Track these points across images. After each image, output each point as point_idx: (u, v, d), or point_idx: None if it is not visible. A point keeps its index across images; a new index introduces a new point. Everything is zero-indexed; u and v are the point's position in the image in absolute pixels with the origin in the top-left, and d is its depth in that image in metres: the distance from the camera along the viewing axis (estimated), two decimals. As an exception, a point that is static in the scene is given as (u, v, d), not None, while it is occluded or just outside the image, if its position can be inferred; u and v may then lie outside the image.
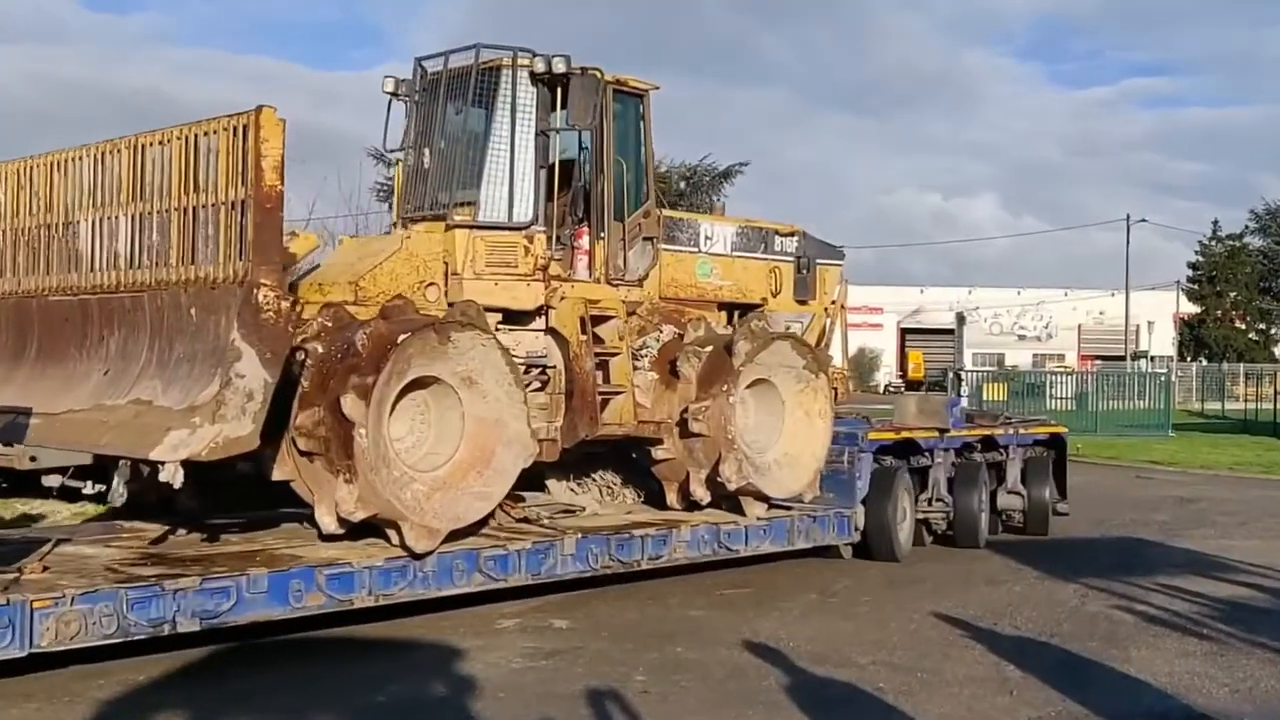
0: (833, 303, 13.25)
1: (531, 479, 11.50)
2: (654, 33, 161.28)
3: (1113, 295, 67.16)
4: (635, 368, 11.01)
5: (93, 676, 7.59)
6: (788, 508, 11.63)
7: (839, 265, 13.44)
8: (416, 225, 10.26)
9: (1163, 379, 36.84)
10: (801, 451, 11.50)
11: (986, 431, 14.10)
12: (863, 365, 68.02)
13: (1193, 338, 70.74)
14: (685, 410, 10.70)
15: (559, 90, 10.39)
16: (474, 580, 9.08)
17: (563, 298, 10.45)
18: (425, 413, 8.99)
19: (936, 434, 13.24)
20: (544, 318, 10.54)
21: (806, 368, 11.46)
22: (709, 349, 10.98)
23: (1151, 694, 7.92)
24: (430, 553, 8.66)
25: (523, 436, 9.08)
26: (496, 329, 10.27)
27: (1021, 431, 14.68)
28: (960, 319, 39.24)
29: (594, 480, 11.88)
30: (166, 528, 9.27)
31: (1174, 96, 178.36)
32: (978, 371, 39.85)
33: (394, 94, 11.07)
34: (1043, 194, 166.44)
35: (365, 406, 8.10)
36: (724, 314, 12.28)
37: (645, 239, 11.14)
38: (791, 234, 12.81)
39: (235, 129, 7.64)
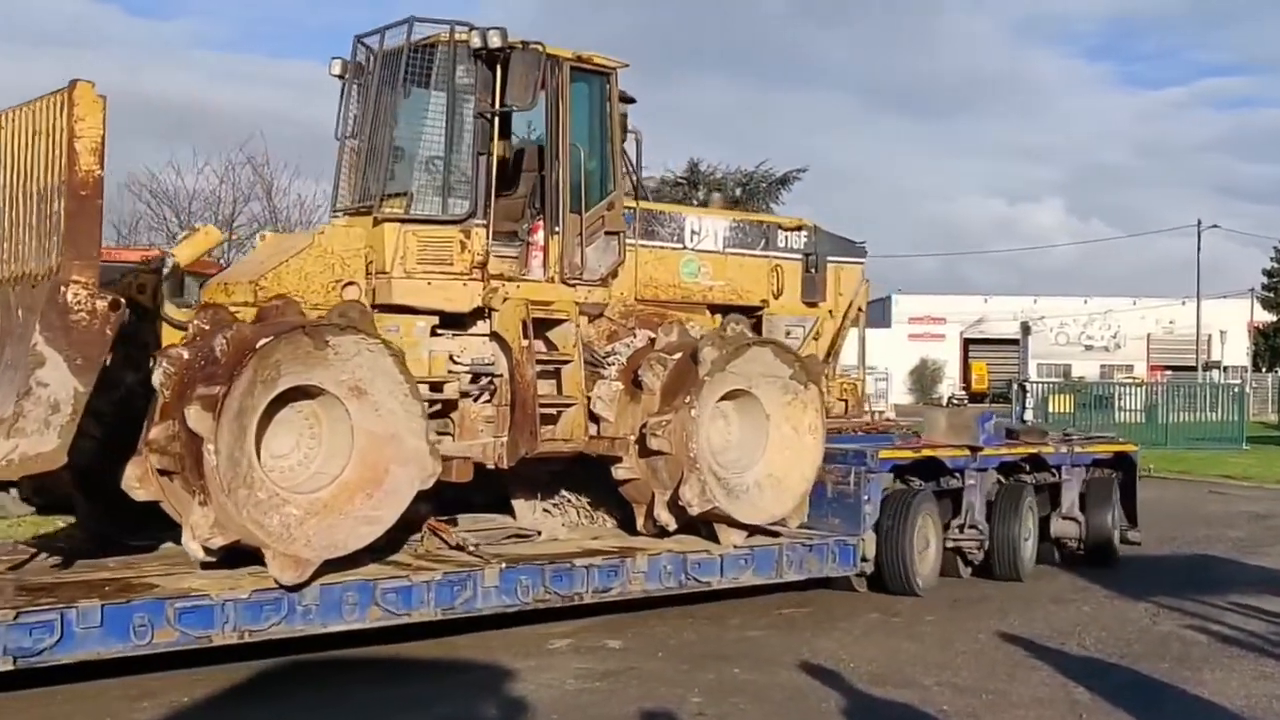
0: (850, 305, 11.89)
1: (498, 500, 10.55)
2: (710, 34, 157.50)
3: (1184, 303, 64.29)
4: (601, 377, 9.90)
5: (136, 697, 7.41)
6: (776, 533, 10.35)
7: (859, 264, 12.07)
8: (338, 219, 9.34)
9: (1236, 390, 34.64)
10: (788, 472, 10.20)
11: (1030, 450, 12.51)
12: (925, 377, 65.98)
13: (1268, 347, 67.03)
14: (644, 425, 9.54)
15: (502, 68, 9.34)
16: (370, 615, 8.09)
17: (505, 299, 9.40)
18: (315, 427, 8.05)
19: (967, 452, 11.75)
20: (489, 321, 9.52)
21: (794, 378, 10.16)
22: (677, 357, 9.79)
23: (1226, 718, 7.62)
24: (304, 584, 7.70)
25: (420, 454, 8.05)
26: (434, 334, 9.38)
27: (1079, 450, 13.03)
28: (1025, 329, 37.17)
29: (570, 502, 10.77)
30: (35, 551, 8.53)
31: (1250, 97, 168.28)
32: (1043, 383, 37.72)
33: (342, 77, 10.18)
34: (1111, 199, 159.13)
35: (213, 419, 7.18)
36: (718, 318, 11.07)
37: (609, 233, 10.00)
38: (798, 228, 11.52)
39: (55, 107, 6.81)
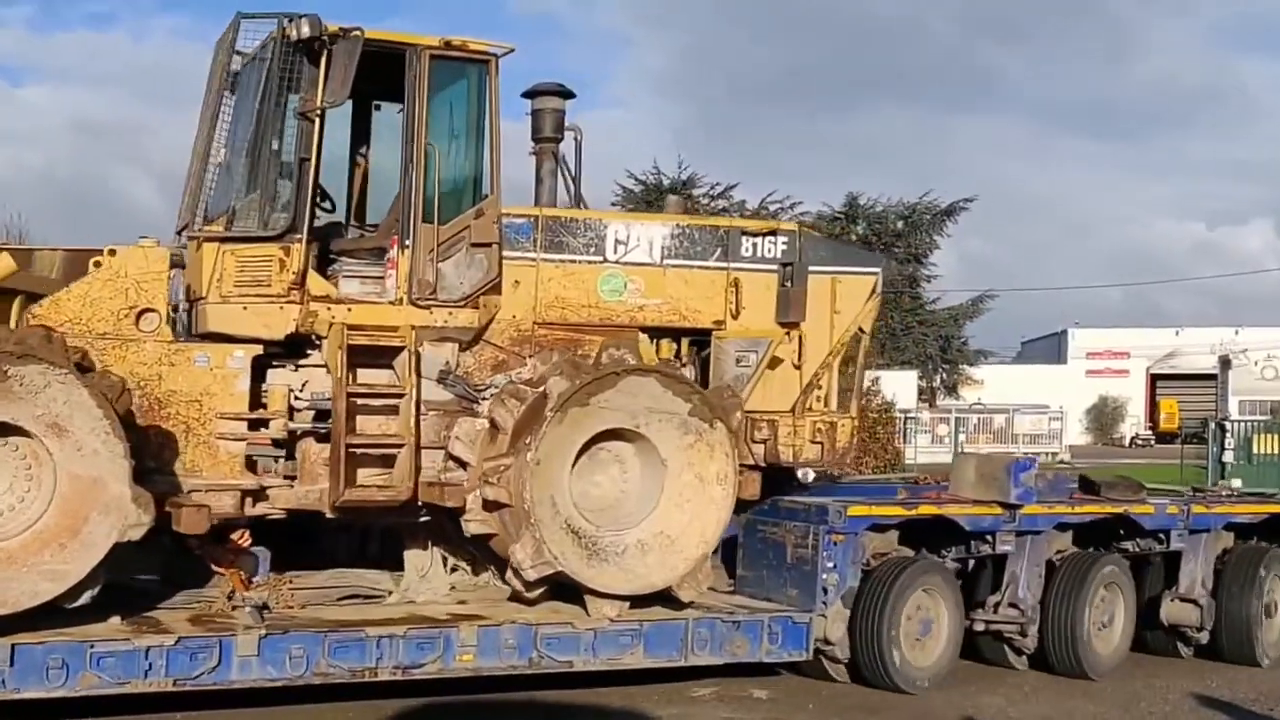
0: (852, 325, 9.65)
1: (393, 552, 9.34)
2: (872, 60, 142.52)
3: None
4: (474, 413, 8.52)
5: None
6: (685, 603, 8.47)
7: (869, 275, 9.76)
8: (147, 239, 8.51)
9: None
10: (684, 531, 8.34)
11: (1110, 509, 9.66)
12: (1104, 415, 58.44)
13: None
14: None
15: (327, 61, 8.22)
16: (82, 681, 7.13)
17: (330, 324, 8.25)
18: (33, 468, 7.26)
19: (998, 510, 9.21)
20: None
21: (694, 414, 8.30)
22: (540, 390, 8.23)
23: None
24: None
25: (122, 501, 7.05)
26: (272, 365, 8.39)
27: (1200, 511, 9.97)
28: (1225, 363, 30.66)
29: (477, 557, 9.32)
30: None
31: None
32: (1245, 421, 30.80)
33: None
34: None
35: None
36: (669, 343, 9.32)
37: (476, 245, 8.57)
38: (770, 233, 9.48)
39: None
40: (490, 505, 8.09)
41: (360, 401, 8.31)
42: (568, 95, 9.66)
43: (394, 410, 8.35)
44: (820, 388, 9.48)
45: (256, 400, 8.28)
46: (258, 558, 8.50)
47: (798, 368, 9.44)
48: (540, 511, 7.92)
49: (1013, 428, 39.32)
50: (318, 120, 8.21)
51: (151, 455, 7.94)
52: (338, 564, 9.33)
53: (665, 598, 8.47)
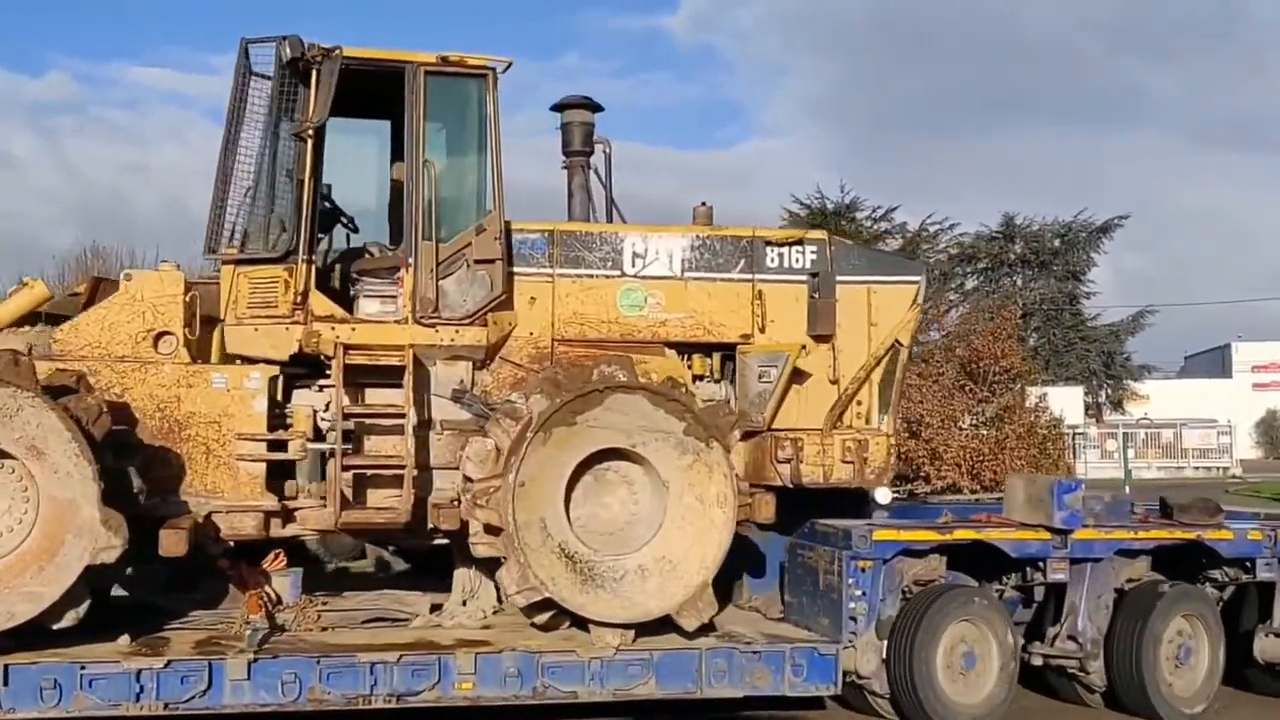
0: (889, 337, 9.07)
1: (441, 570, 9.20)
2: (1022, 82, 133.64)
3: None
4: (484, 432, 8.33)
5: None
6: (696, 631, 8.04)
7: (908, 285, 9.16)
8: (166, 264, 8.63)
9: None
10: (686, 556, 7.92)
11: (1172, 535, 8.77)
12: (1274, 429, 53.85)
13: None
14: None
15: (317, 82, 8.20)
16: (75, 703, 7.22)
17: (335, 343, 8.18)
18: (28, 490, 7.37)
19: (1046, 535, 8.47)
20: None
21: (689, 433, 7.89)
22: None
23: None
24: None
25: (92, 524, 7.07)
26: (297, 386, 8.39)
27: (1289, 535, 8.98)
28: None
29: None
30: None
31: None
32: None
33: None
34: None
35: None
36: (701, 358, 8.96)
37: (479, 262, 8.38)
38: (796, 242, 9.01)
39: None
40: (488, 528, 7.86)
41: (370, 421, 8.24)
42: (595, 108, 9.46)
43: (402, 431, 8.22)
44: (859, 403, 8.95)
45: (284, 421, 8.30)
46: (286, 579, 8.47)
47: (833, 382, 8.95)
48: (527, 535, 7.65)
49: (1181, 442, 37.73)
50: (310, 140, 8.18)
51: (172, 477, 8.07)
52: (386, 586, 9.29)
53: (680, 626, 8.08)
